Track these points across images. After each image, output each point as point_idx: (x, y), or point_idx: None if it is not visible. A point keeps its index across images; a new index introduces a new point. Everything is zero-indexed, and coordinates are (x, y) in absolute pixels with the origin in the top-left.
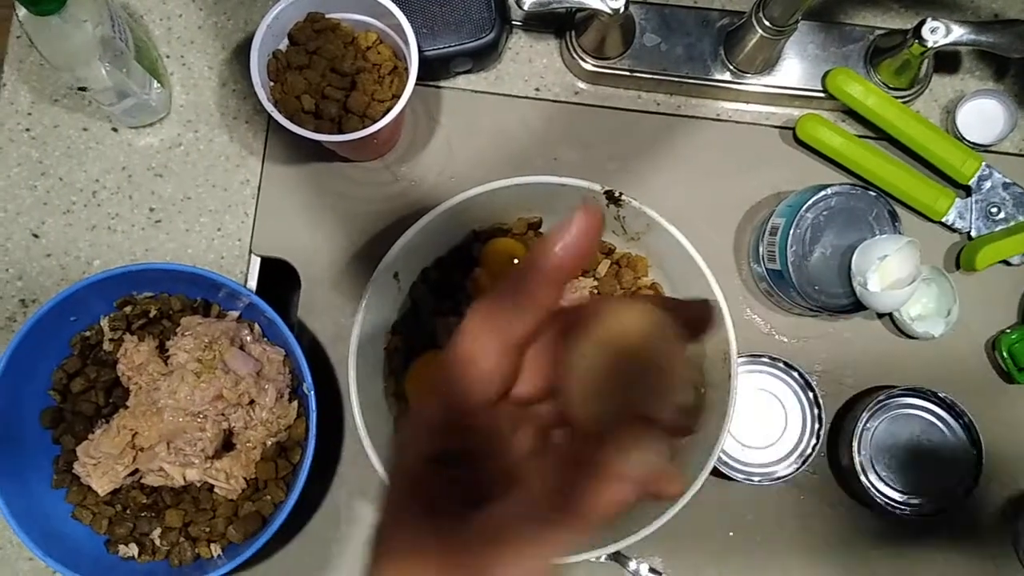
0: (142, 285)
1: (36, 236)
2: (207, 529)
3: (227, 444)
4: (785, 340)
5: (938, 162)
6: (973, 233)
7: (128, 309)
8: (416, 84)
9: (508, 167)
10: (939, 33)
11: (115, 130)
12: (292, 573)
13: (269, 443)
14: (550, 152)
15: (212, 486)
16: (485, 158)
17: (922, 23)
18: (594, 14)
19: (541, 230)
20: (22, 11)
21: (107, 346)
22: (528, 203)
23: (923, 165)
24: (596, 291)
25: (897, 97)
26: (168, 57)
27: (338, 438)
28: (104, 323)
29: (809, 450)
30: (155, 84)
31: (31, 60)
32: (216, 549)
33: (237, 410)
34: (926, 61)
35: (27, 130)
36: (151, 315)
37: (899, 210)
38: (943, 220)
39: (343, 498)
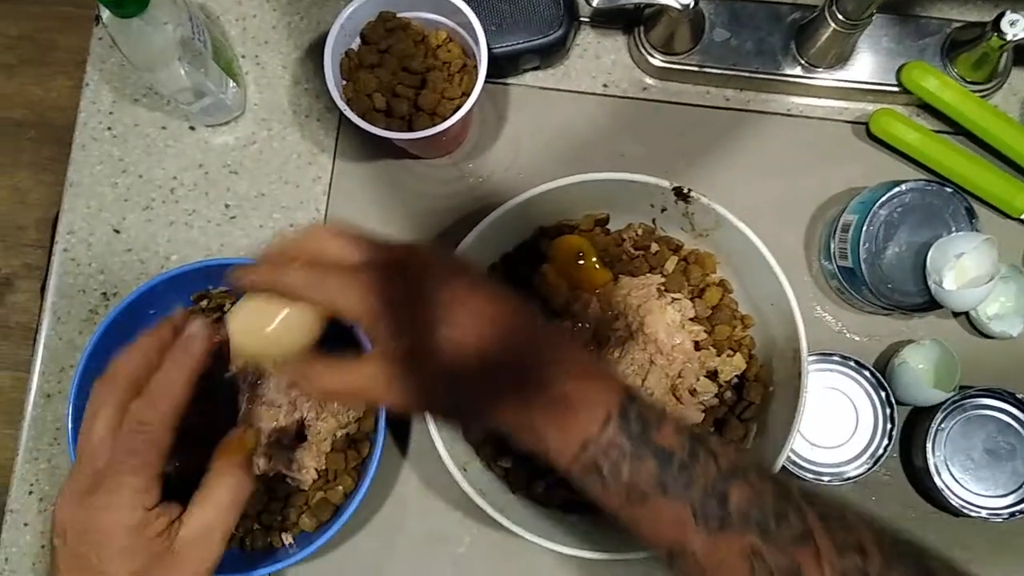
0: (217, 280)
1: (117, 231)
2: (279, 518)
3: (299, 435)
4: (856, 338)
5: (1017, 157)
6: None
7: (204, 303)
8: (484, 81)
9: (574, 163)
10: (1019, 26)
11: (192, 128)
12: (359, 563)
13: (339, 435)
14: (617, 148)
15: (284, 475)
16: (552, 154)
17: (1001, 15)
18: (663, 9)
19: (608, 226)
20: (106, 13)
21: None
22: (595, 199)
23: (1001, 160)
24: (663, 288)
25: (975, 91)
26: (243, 57)
27: (405, 432)
28: None
29: (881, 450)
30: (231, 83)
31: (112, 61)
32: (288, 538)
33: (309, 401)
34: (1005, 54)
35: (108, 128)
36: (225, 309)
37: (976, 206)
38: (1021, 217)
39: (410, 492)
